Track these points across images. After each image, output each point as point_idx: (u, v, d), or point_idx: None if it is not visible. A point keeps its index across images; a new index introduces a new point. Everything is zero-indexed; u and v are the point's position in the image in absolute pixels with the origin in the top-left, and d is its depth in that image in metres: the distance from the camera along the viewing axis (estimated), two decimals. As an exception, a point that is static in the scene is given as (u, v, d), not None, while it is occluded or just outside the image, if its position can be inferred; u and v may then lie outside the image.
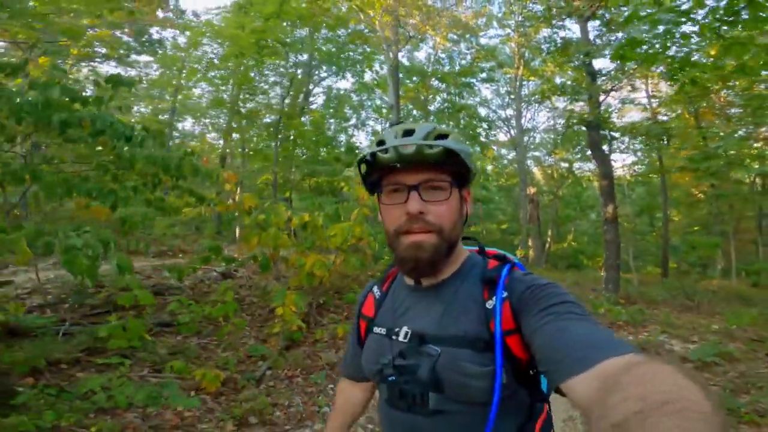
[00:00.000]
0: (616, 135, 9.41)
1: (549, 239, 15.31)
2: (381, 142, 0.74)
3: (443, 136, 0.73)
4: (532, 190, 13.93)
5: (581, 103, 8.58)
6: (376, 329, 0.82)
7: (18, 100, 2.43)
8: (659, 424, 0.34)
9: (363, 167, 0.77)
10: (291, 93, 11.50)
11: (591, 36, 8.87)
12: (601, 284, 7.61)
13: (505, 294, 0.71)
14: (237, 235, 8.47)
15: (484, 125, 14.71)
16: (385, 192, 0.76)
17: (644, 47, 4.19)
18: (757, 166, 8.52)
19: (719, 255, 11.71)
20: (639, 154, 12.53)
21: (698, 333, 5.34)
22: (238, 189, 6.90)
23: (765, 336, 5.26)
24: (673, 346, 4.89)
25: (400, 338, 0.77)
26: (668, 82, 6.45)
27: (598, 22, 9.03)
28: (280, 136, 10.59)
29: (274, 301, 3.51)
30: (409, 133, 0.73)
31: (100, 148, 3.47)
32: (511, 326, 0.70)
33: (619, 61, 5.40)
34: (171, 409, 2.56)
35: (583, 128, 8.58)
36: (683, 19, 3.89)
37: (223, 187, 4.34)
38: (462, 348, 0.71)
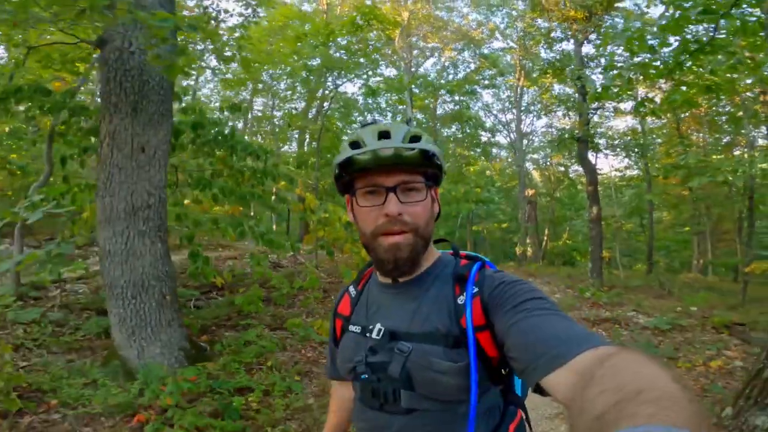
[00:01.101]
0: (601, 146, 11.11)
1: (546, 238, 17.03)
2: (355, 143, 0.77)
3: (416, 137, 0.77)
4: (530, 191, 15.59)
5: (573, 117, 10.22)
6: (352, 327, 0.86)
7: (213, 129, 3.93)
8: (637, 413, 0.35)
9: (336, 169, 0.80)
10: (308, 100, 13.03)
11: (584, 53, 10.56)
12: (588, 275, 9.27)
13: (475, 290, 0.75)
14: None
15: (488, 134, 16.34)
16: (360, 194, 0.78)
17: (615, 89, 5.80)
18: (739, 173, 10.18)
19: (695, 252, 13.51)
20: (629, 159, 14.31)
21: (661, 311, 6.97)
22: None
23: (714, 314, 6.91)
24: (639, 319, 6.51)
25: (374, 335, 0.80)
26: (634, 116, 8.15)
27: (591, 45, 10.77)
28: (295, 142, 12.07)
29: (344, 277, 5.03)
30: (384, 134, 0.76)
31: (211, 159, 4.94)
32: (481, 322, 0.73)
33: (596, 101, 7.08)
34: (300, 352, 4.06)
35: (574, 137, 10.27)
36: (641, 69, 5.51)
37: (297, 190, 5.81)
38: (433, 344, 0.74)
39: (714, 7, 4.59)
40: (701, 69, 5.22)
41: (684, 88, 6.12)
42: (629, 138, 12.47)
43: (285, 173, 4.88)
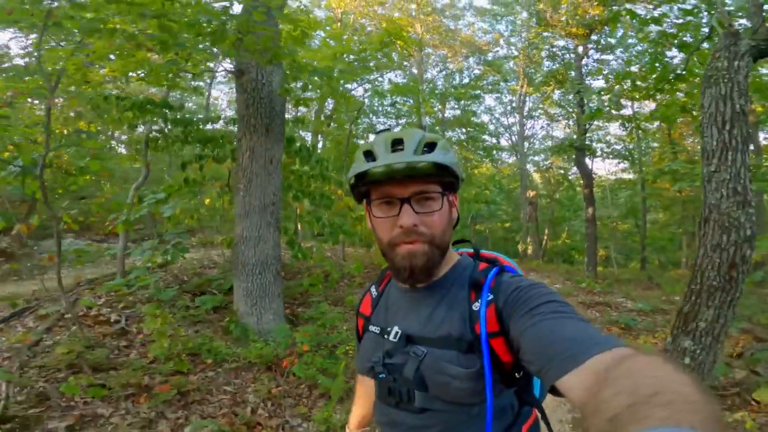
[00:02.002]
0: (598, 151, 12.66)
1: (546, 237, 18.51)
2: (369, 153, 0.82)
3: (432, 144, 0.81)
4: (531, 193, 17.03)
5: (572, 126, 11.66)
6: (372, 328, 0.94)
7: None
8: (650, 415, 0.37)
9: (353, 180, 0.84)
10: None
11: (583, 63, 12.06)
12: (584, 269, 10.71)
13: (490, 296, 0.79)
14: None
15: (492, 139, 17.77)
16: (375, 204, 0.84)
17: (606, 109, 7.26)
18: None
19: (684, 250, 15.08)
20: (624, 163, 15.88)
21: (647, 299, 8.41)
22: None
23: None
24: (627, 304, 7.94)
25: (391, 338, 0.87)
26: (622, 129, 9.67)
27: (591, 59, 12.30)
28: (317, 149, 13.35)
29: (382, 265, 6.36)
30: (398, 142, 0.80)
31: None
32: (495, 328, 0.77)
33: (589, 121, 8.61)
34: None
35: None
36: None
37: (339, 191, 7.10)
38: (446, 349, 0.79)
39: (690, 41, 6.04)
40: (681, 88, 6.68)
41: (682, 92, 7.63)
42: (626, 142, 14.00)
43: (334, 177, 6.17)
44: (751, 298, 8.82)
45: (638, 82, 6.23)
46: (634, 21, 6.34)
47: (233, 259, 4.33)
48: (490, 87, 17.47)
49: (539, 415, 0.90)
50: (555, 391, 0.63)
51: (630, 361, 0.50)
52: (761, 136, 11.67)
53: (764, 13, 3.56)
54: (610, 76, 7.00)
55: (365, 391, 1.11)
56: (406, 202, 0.79)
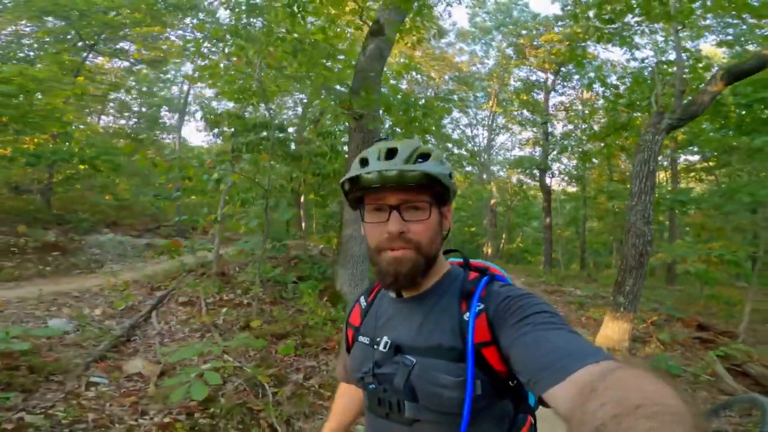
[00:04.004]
0: (555, 171, 16.60)
1: (503, 241, 22.34)
2: (364, 161, 0.90)
3: (425, 155, 0.89)
4: (492, 201, 20.62)
5: (538, 150, 15.27)
6: (361, 338, 1.01)
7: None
8: (635, 426, 0.40)
9: (347, 185, 0.93)
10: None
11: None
12: (540, 267, 14.29)
13: (481, 306, 0.86)
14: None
15: (465, 152, 21.12)
16: (368, 210, 0.92)
17: (569, 148, 10.66)
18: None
19: (615, 253, 19.64)
20: (572, 181, 20.14)
21: (588, 289, 12.02)
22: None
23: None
24: (577, 291, 11.43)
25: (381, 348, 0.94)
26: (579, 162, 13.50)
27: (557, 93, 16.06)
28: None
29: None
30: (392, 152, 0.88)
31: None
32: (487, 338, 0.83)
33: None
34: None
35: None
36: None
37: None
38: (436, 359, 0.86)
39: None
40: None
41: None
42: (574, 162, 18.11)
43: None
44: (662, 291, 12.81)
45: (594, 128, 9.64)
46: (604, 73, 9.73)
47: (341, 253, 6.65)
48: (459, 101, 20.70)
49: (533, 421, 0.98)
50: (543, 402, 0.69)
51: (618, 373, 0.54)
52: (681, 158, 16.28)
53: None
54: (572, 114, 10.55)
55: (343, 404, 1.24)
56: (395, 210, 0.87)
